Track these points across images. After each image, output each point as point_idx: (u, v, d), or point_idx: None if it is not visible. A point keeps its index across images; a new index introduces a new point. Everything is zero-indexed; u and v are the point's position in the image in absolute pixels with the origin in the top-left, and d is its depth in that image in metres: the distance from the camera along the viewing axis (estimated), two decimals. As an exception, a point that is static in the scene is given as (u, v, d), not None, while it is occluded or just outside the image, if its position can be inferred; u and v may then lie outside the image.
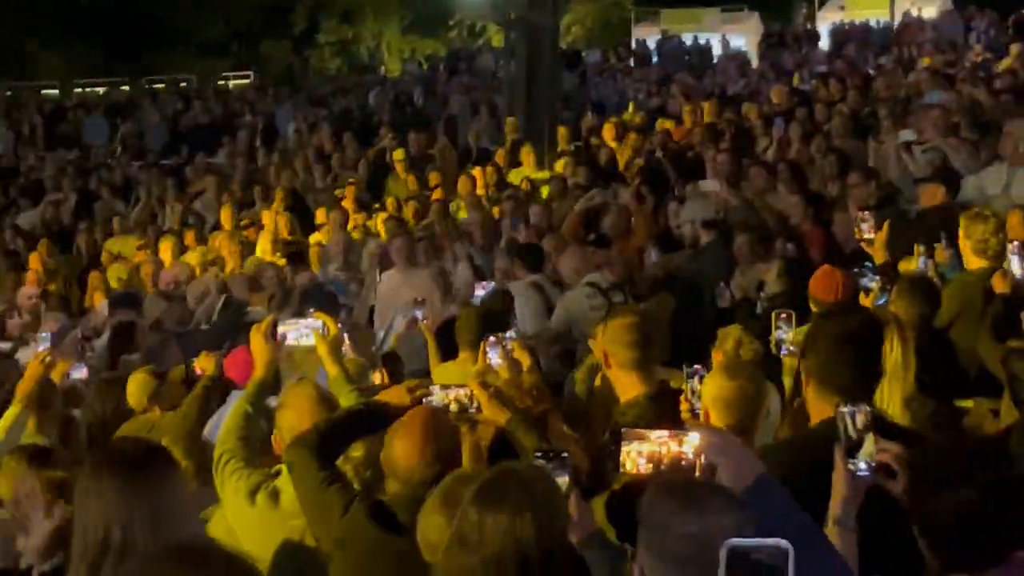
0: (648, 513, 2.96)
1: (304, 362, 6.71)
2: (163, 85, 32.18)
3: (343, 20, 42.80)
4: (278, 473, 5.08)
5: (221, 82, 34.68)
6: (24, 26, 40.43)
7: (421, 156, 18.93)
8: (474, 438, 5.25)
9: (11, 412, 6.76)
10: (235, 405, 5.50)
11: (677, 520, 2.88)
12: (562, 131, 19.04)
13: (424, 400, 4.98)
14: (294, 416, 5.17)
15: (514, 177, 17.07)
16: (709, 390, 4.95)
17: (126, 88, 33.00)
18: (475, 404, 5.06)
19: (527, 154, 17.67)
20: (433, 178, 17.75)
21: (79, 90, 33.57)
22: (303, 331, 5.63)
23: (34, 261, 15.85)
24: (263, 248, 15.13)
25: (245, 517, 5.01)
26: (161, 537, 3.14)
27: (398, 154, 18.46)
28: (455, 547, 3.31)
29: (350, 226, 15.49)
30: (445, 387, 5.13)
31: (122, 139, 25.45)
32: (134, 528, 3.16)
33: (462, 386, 5.10)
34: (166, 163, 23.00)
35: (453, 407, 4.99)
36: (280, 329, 5.62)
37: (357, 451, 5.16)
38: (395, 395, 5.10)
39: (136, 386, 7.57)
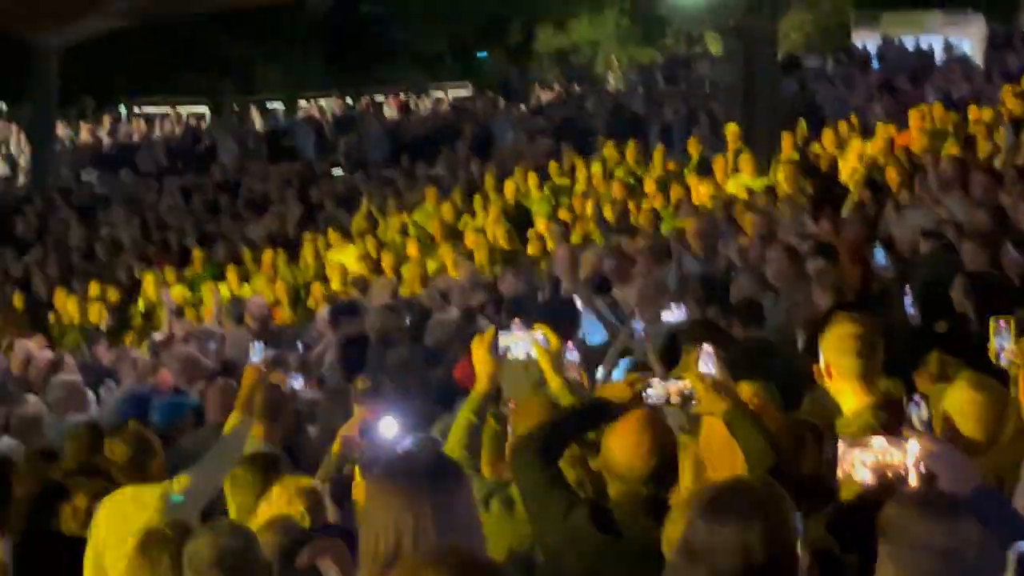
0: (893, 526, 2.90)
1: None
2: (384, 97, 32.76)
3: (559, 30, 42.96)
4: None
5: (440, 93, 35.20)
6: (250, 42, 41.67)
7: (637, 164, 18.89)
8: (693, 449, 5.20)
9: (231, 421, 6.92)
10: (459, 416, 5.52)
11: (926, 532, 2.82)
12: (786, 138, 18.74)
13: (644, 393, 4.91)
14: (530, 423, 5.22)
15: (733, 185, 16.89)
16: (953, 402, 4.83)
17: (348, 101, 33.72)
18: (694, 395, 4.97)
19: (746, 162, 17.44)
20: (648, 185, 17.67)
21: (303, 103, 34.36)
22: (524, 343, 5.61)
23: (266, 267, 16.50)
24: (480, 258, 15.24)
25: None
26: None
27: (614, 162, 18.46)
28: (683, 559, 3.28)
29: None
30: (664, 380, 5.09)
31: (344, 151, 26.02)
32: (425, 537, 3.20)
33: (680, 379, 5.07)
34: (387, 174, 23.39)
35: (675, 399, 4.95)
36: (501, 342, 5.61)
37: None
38: (616, 390, 5.05)
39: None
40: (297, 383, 8.20)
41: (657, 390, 4.94)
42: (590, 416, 4.97)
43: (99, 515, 6.40)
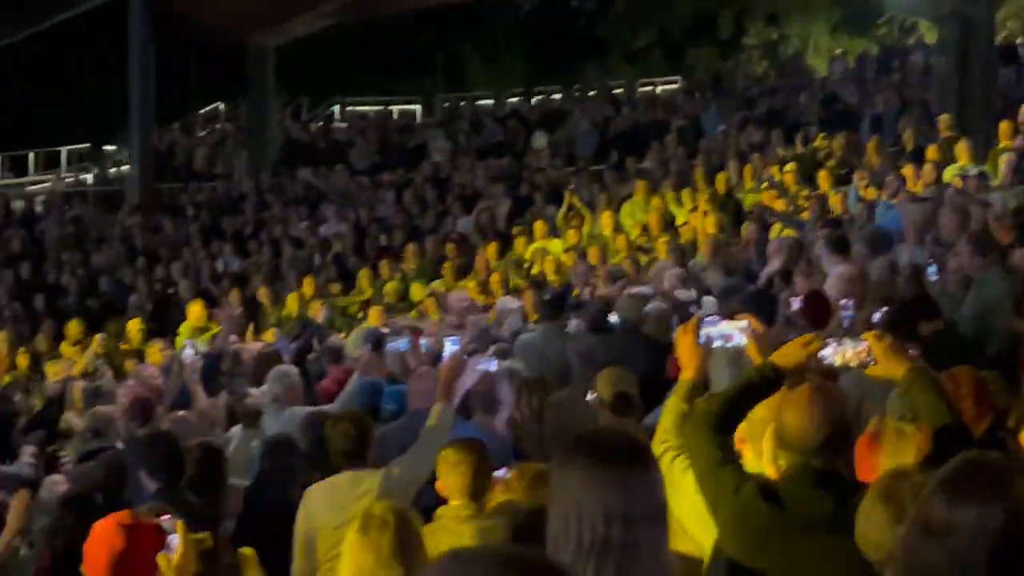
0: None
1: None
2: (593, 92, 32.70)
3: (769, 23, 42.48)
4: None
5: (649, 88, 35.02)
6: (460, 39, 42.13)
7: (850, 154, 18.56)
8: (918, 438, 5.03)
9: (435, 409, 7.05)
10: (668, 403, 5.48)
11: None
12: (1003, 126, 18.15)
13: (820, 355, 4.93)
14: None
15: (948, 174, 16.46)
16: None
17: (557, 97, 33.77)
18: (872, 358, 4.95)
19: (962, 149, 16.98)
20: (860, 177, 17.32)
21: (512, 100, 34.52)
22: (729, 332, 5.54)
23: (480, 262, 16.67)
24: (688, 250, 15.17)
25: (699, 506, 4.96)
26: (647, 532, 3.14)
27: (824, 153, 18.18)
28: (918, 536, 3.14)
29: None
30: (840, 342, 5.02)
31: (552, 146, 26.07)
32: (616, 521, 3.14)
33: (858, 341, 4.97)
34: (596, 168, 23.39)
35: (853, 362, 4.87)
36: (706, 331, 5.56)
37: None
38: (789, 352, 5.01)
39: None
40: (490, 365, 8.32)
41: (835, 356, 4.89)
42: (764, 386, 4.95)
43: (312, 499, 6.49)
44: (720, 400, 4.94)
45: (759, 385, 4.96)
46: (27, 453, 10.10)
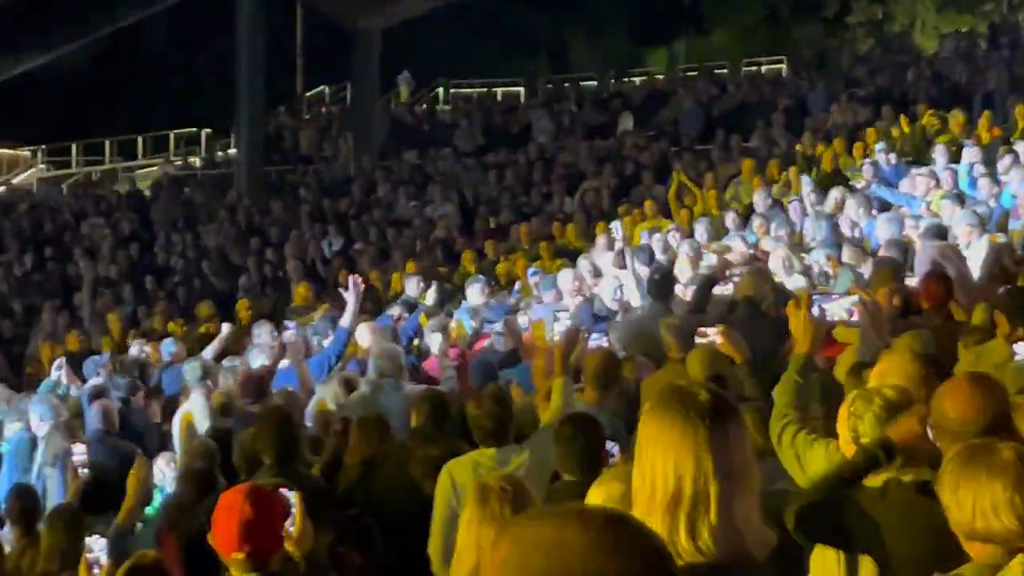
0: None
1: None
2: (697, 72, 32.54)
3: (874, 0, 42.00)
4: None
5: (753, 67, 34.77)
6: (563, 20, 42.08)
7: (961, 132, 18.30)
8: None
9: (556, 384, 7.12)
10: (784, 377, 5.49)
11: None
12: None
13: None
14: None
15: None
16: None
17: (661, 76, 33.65)
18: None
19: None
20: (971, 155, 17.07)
21: (615, 80, 34.43)
22: (844, 305, 5.53)
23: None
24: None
25: None
26: (733, 490, 3.12)
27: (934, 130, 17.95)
28: None
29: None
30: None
31: (658, 125, 26.00)
32: (702, 479, 3.14)
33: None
34: (701, 148, 23.30)
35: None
36: (817, 305, 5.56)
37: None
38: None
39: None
40: (601, 341, 8.32)
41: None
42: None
43: (456, 476, 6.54)
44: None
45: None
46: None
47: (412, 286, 14.61)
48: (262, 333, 12.77)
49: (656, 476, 3.13)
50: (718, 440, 3.12)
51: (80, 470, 7.46)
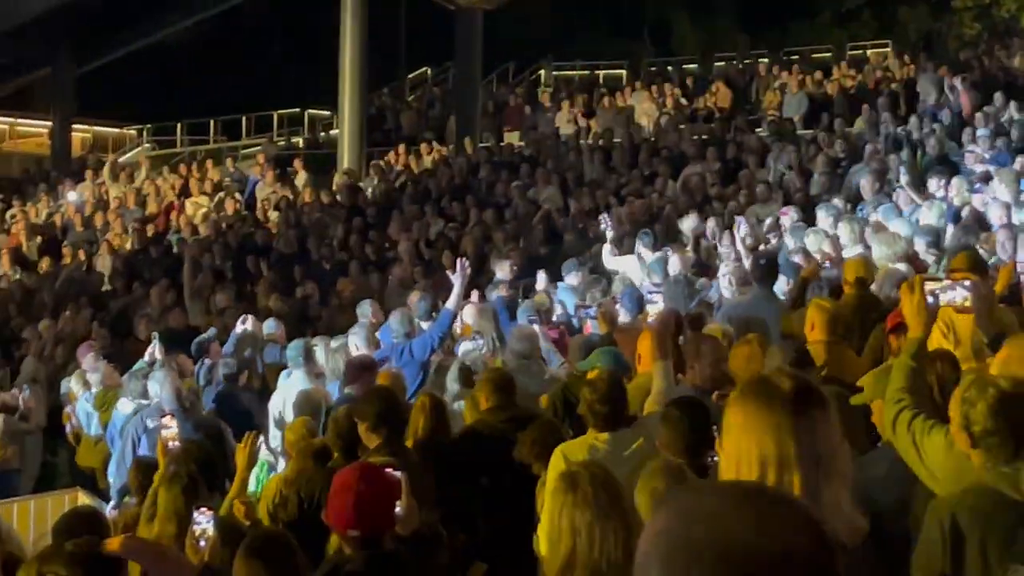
0: None
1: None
2: (800, 56, 32.28)
3: (982, -15, 41.36)
4: None
5: (859, 52, 34.41)
6: (666, 2, 41.88)
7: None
8: None
9: (657, 368, 7.21)
10: (897, 362, 5.44)
11: None
12: None
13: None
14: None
15: None
16: None
17: (764, 60, 33.40)
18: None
19: None
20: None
21: (719, 64, 34.25)
22: (957, 290, 5.45)
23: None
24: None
25: (947, 462, 4.91)
26: (819, 478, 3.08)
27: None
28: None
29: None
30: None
31: (762, 110, 25.85)
32: (791, 467, 3.12)
33: None
34: (805, 132, 23.12)
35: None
36: (929, 286, 5.49)
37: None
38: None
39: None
40: None
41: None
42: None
43: (560, 458, 6.56)
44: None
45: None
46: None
47: (505, 269, 14.66)
48: (367, 312, 12.87)
49: (740, 463, 3.13)
50: (802, 426, 3.10)
51: (171, 444, 7.52)
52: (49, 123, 40.32)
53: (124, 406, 11.34)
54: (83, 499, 10.61)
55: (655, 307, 8.13)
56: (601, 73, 35.32)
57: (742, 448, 3.13)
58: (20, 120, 46.19)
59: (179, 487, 6.46)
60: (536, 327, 10.75)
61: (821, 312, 8.15)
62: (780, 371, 3.35)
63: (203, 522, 4.74)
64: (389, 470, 5.32)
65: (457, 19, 29.92)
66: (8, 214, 27.63)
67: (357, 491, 4.92)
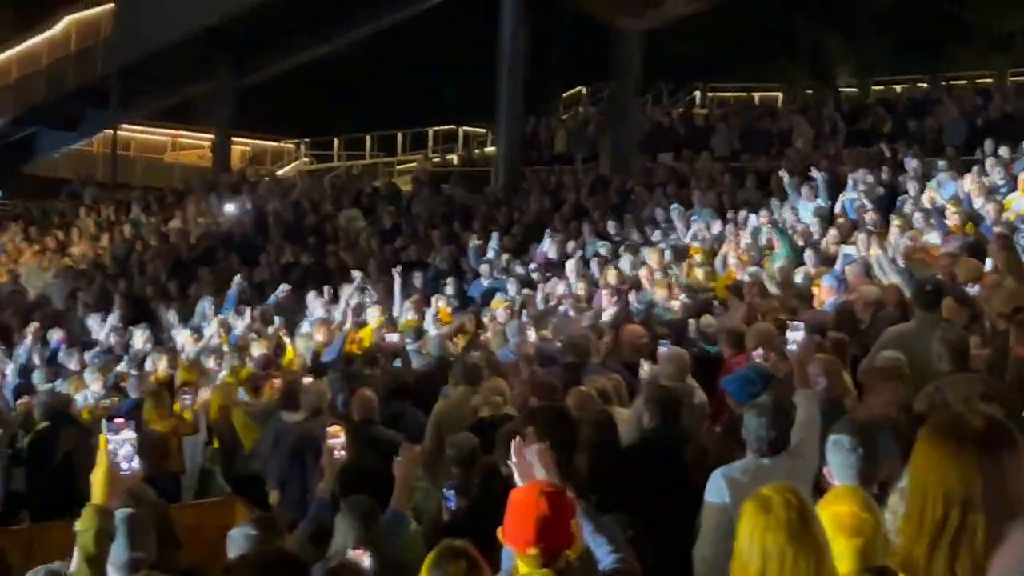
0: None
1: None
2: (963, 81, 31.75)
3: None
4: None
5: (1021, 77, 33.71)
6: (823, 25, 41.48)
7: None
8: None
9: (800, 398, 7.22)
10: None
11: None
12: None
13: None
14: None
15: None
16: None
17: (923, 85, 32.91)
18: None
19: None
20: None
21: (877, 88, 33.84)
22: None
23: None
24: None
25: None
26: (1005, 518, 3.02)
27: None
28: None
29: None
30: None
31: (920, 134, 25.44)
32: (973, 508, 3.08)
33: None
34: (966, 158, 22.70)
35: None
36: None
37: None
38: None
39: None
40: None
41: None
42: None
43: (738, 486, 6.53)
44: None
45: None
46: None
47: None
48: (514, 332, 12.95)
49: (926, 500, 3.11)
50: (990, 468, 3.08)
51: (337, 454, 7.62)
52: (210, 136, 41.23)
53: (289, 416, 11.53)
54: (241, 510, 10.66)
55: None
56: (757, 95, 35.11)
57: (929, 485, 3.12)
58: (182, 132, 47.30)
59: (358, 512, 6.61)
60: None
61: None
62: (971, 408, 3.33)
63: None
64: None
65: (616, 39, 29.93)
66: (170, 224, 28.25)
67: (538, 509, 4.95)
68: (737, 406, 8.56)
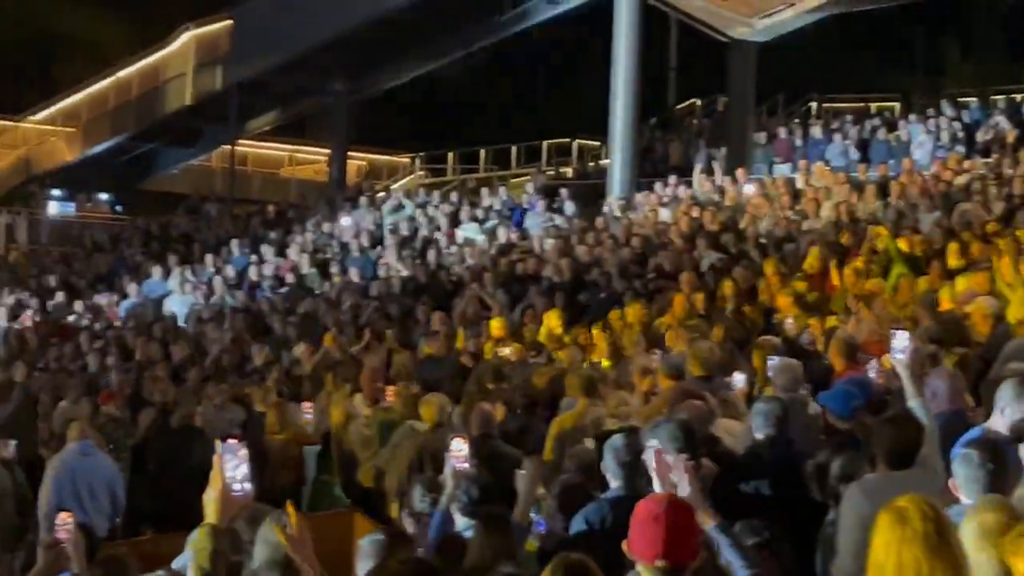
0: None
1: None
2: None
3: None
4: None
5: None
6: (942, 36, 40.93)
7: None
8: None
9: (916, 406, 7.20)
10: None
11: None
12: None
13: None
14: None
15: None
16: None
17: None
18: None
19: None
20: None
21: (997, 96, 33.22)
22: None
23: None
24: None
25: None
26: None
27: None
28: None
29: None
30: None
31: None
32: None
33: None
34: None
35: None
36: None
37: None
38: None
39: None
40: None
41: None
42: None
43: (875, 495, 6.47)
44: None
45: None
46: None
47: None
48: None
49: None
50: None
51: (459, 465, 7.63)
52: (326, 151, 41.62)
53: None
54: (361, 522, 10.65)
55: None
56: (873, 105, 34.65)
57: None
58: (299, 147, 47.81)
59: (494, 524, 6.64)
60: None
61: None
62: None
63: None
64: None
65: (731, 51, 29.80)
66: (289, 239, 28.55)
67: (668, 522, 4.95)
68: (840, 421, 8.58)
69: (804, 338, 13.05)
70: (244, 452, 4.85)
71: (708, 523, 5.43)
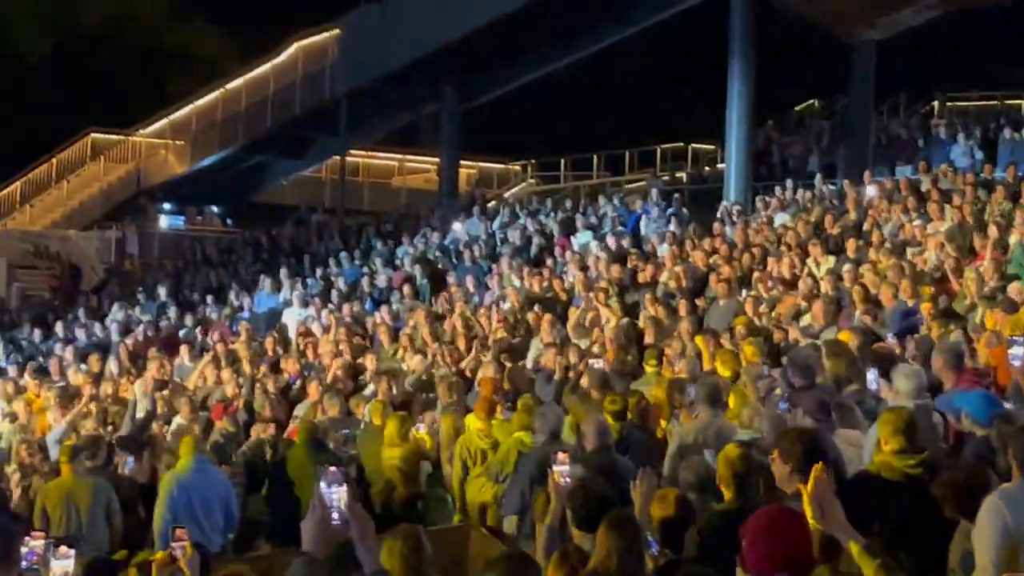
0: None
1: None
2: None
3: None
4: None
5: None
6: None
7: None
8: None
9: None
10: None
11: None
12: None
13: None
14: None
15: None
16: None
17: None
18: None
19: None
20: None
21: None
22: None
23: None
24: None
25: None
26: None
27: None
28: None
29: None
30: None
31: None
32: None
33: None
34: None
35: None
36: None
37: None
38: None
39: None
40: None
41: None
42: None
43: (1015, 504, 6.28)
44: None
45: None
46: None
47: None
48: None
49: None
50: None
51: (563, 481, 7.40)
52: (436, 159, 41.56)
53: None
54: (478, 537, 10.45)
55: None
56: (999, 103, 33.82)
57: None
58: (408, 156, 47.81)
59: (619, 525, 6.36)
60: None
61: None
62: None
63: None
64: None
65: (853, 51, 29.28)
66: (399, 250, 28.45)
67: (787, 534, 4.76)
68: (976, 427, 8.32)
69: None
70: (344, 485, 4.84)
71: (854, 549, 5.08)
